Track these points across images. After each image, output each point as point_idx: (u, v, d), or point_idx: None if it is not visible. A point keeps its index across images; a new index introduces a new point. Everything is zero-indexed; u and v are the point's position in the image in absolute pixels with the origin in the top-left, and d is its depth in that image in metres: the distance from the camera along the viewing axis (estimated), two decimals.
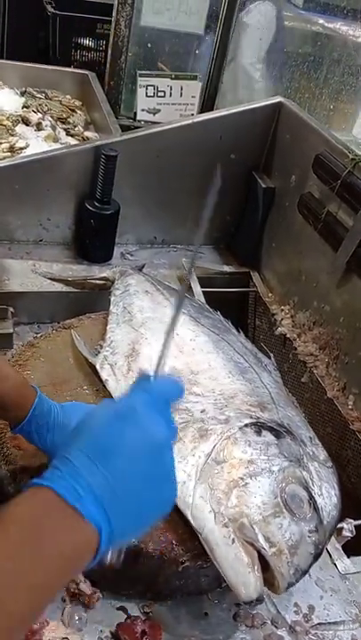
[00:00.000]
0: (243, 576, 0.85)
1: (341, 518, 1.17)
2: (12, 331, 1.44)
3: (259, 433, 1.01)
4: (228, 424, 1.03)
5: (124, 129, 2.22)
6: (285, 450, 1.00)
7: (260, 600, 0.85)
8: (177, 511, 0.97)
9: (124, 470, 0.64)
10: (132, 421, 0.66)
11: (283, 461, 0.98)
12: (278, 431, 1.03)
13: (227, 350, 1.27)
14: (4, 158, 2.02)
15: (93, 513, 0.61)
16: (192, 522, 0.91)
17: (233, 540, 0.87)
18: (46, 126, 2.37)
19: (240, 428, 1.01)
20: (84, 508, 0.60)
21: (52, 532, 0.60)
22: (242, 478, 0.94)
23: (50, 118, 2.43)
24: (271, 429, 1.03)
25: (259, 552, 0.88)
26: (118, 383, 1.17)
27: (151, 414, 0.68)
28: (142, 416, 0.67)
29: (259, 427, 1.02)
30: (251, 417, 1.05)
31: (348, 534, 1.16)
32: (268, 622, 0.98)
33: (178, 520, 0.96)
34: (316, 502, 0.96)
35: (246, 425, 1.02)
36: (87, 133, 2.43)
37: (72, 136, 2.38)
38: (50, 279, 1.60)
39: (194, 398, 1.10)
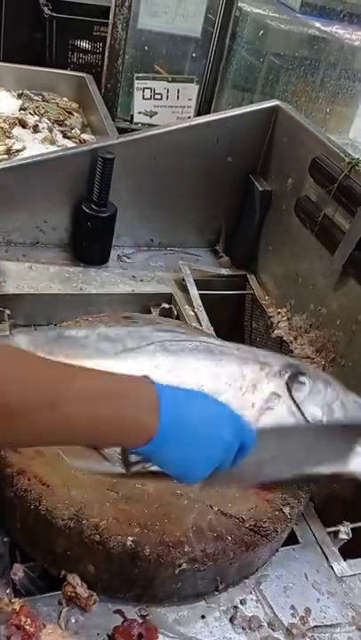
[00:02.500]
0: None
1: (338, 521, 1.18)
2: (8, 333, 1.44)
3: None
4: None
5: (121, 131, 2.22)
6: None
7: None
8: (172, 514, 0.97)
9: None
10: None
11: None
12: None
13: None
14: (1, 160, 2.02)
15: (165, 418, 0.77)
16: None
17: None
18: (43, 129, 2.37)
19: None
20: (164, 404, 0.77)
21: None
22: None
23: (47, 121, 2.43)
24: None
25: None
26: None
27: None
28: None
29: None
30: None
31: (345, 537, 1.16)
32: (265, 625, 0.98)
33: (174, 523, 0.96)
34: None
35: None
36: (84, 136, 2.43)
37: (69, 138, 2.38)
38: None
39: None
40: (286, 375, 1.17)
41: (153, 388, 0.80)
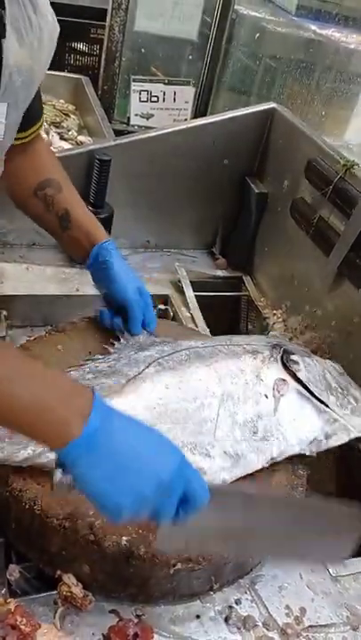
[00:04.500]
0: None
1: None
2: (5, 334, 1.44)
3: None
4: None
5: (118, 133, 2.23)
6: None
7: None
8: None
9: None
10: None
11: None
12: None
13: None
14: None
15: (92, 425, 0.72)
16: None
17: None
18: None
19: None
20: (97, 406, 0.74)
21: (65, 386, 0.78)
22: None
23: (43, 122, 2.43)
24: None
25: None
26: None
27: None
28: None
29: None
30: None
31: None
32: (260, 625, 0.98)
33: None
34: None
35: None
36: (81, 138, 2.44)
37: (66, 140, 2.39)
38: None
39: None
40: (279, 357, 1.22)
41: (90, 398, 0.75)
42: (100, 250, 1.23)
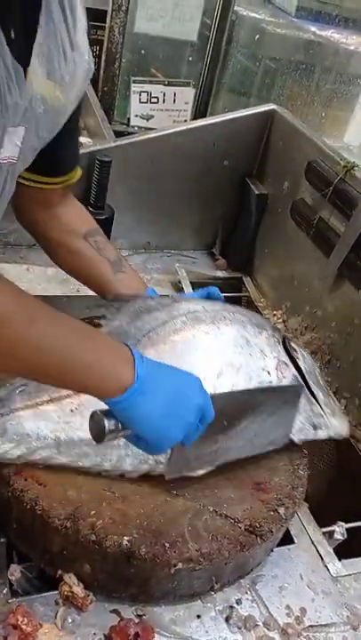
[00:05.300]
0: None
1: (333, 522, 1.19)
2: None
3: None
4: None
5: (118, 135, 2.23)
6: None
7: None
8: (168, 514, 0.98)
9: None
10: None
11: None
12: None
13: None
14: None
15: (140, 371, 0.80)
16: None
17: None
18: None
19: None
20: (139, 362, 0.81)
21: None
22: None
23: None
24: None
25: None
26: None
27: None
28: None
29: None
30: None
31: (340, 537, 1.17)
32: (261, 624, 0.99)
33: (170, 522, 0.97)
34: None
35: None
36: (81, 139, 2.43)
37: None
38: None
39: None
40: (281, 340, 1.22)
41: (127, 347, 0.83)
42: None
